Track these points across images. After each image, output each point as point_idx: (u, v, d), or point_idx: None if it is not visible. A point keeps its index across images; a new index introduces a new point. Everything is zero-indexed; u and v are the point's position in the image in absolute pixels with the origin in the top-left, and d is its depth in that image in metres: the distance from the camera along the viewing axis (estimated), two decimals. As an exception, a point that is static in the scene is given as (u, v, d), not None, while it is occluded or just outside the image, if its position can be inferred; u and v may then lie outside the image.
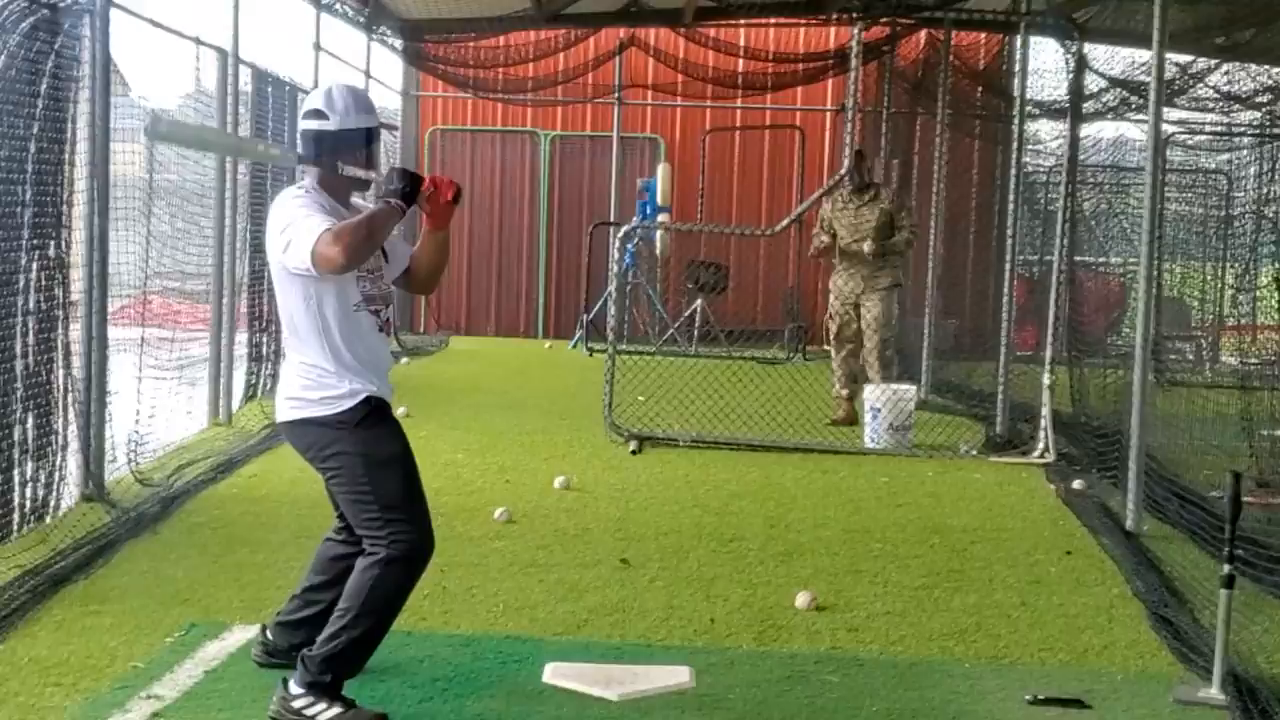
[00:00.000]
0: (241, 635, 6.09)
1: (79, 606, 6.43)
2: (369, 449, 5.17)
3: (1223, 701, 5.58)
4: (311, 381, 5.18)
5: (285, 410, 5.28)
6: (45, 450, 7.91)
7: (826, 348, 15.48)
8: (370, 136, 5.35)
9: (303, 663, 5.12)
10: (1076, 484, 10.14)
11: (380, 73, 19.61)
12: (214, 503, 8.81)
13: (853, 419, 12.71)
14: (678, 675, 5.80)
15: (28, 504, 7.73)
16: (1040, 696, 5.67)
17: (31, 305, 7.72)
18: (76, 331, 8.38)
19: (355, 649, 5.15)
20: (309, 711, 5.06)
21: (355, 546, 5.29)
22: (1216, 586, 5.76)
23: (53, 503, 7.99)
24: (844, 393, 13.04)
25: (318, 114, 5.27)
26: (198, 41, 11.49)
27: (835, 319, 13.05)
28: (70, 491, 8.29)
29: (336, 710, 5.06)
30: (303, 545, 7.71)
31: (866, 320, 12.81)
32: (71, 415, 8.24)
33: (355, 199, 5.43)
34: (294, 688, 5.10)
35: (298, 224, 4.98)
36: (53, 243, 7.98)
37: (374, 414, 5.22)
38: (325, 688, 5.08)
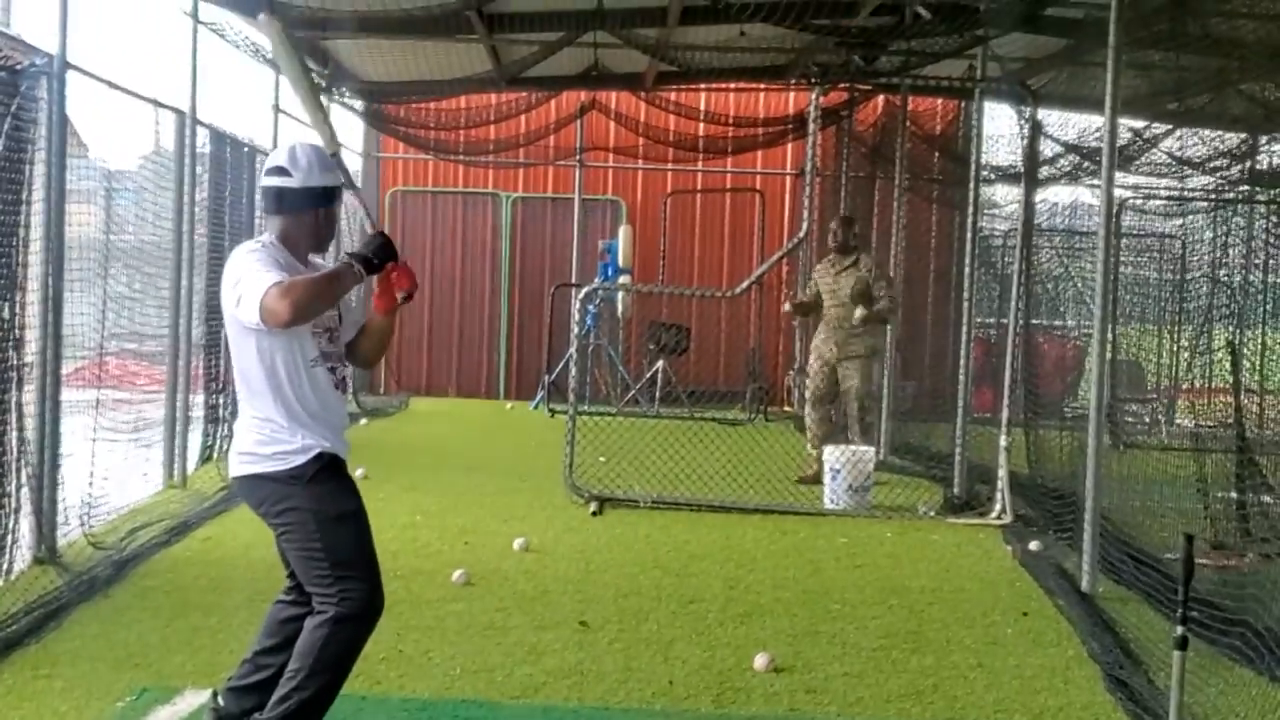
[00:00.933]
0: (194, 700, 6.04)
1: (30, 670, 6.37)
2: (321, 505, 5.15)
3: (1177, 764, 5.58)
4: (265, 436, 5.16)
5: (238, 465, 5.25)
6: (-3, 512, 7.85)
7: (787, 409, 15.50)
8: (332, 195, 5.35)
9: None
10: (1033, 545, 10.17)
11: (341, 134, 19.63)
12: (167, 565, 8.74)
13: (819, 478, 12.74)
14: (634, 739, 5.77)
15: (-21, 567, 7.66)
16: (997, 759, 5.66)
17: (-15, 367, 7.68)
18: (30, 393, 8.32)
19: (307, 711, 5.11)
20: None
21: (306, 607, 5.25)
22: (1170, 648, 5.76)
23: (4, 565, 7.91)
24: (814, 452, 13.07)
25: (280, 171, 5.26)
26: (155, 103, 11.49)
27: (813, 379, 13.16)
28: (22, 554, 8.21)
29: None
30: (257, 608, 7.64)
31: (845, 389, 12.96)
32: (24, 478, 8.17)
33: (314, 258, 5.43)
34: None
35: (249, 278, 4.96)
36: (6, 304, 7.94)
37: (327, 470, 5.20)
38: None
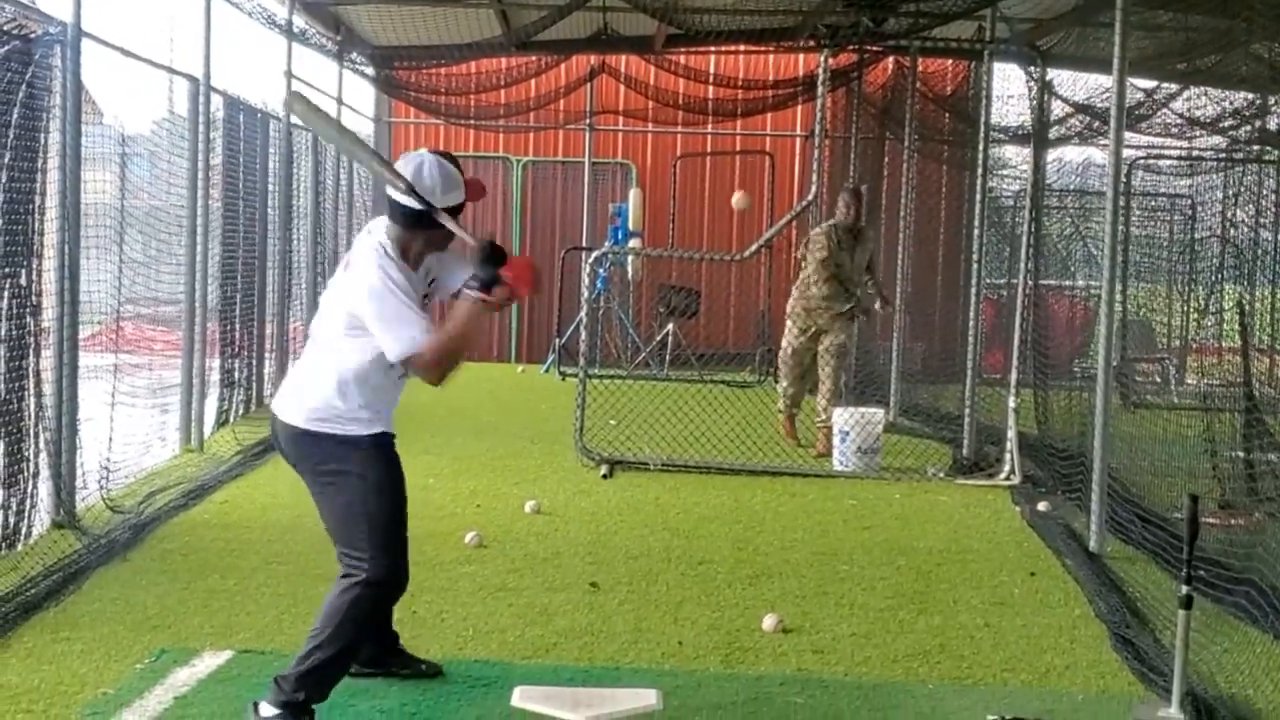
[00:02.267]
0: (211, 661, 6.13)
1: (50, 633, 6.46)
2: (370, 472, 5.35)
3: (1181, 720, 5.66)
4: (338, 401, 5.31)
5: (299, 417, 5.37)
6: (16, 478, 7.94)
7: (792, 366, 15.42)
8: (454, 212, 5.38)
9: (276, 683, 5.19)
10: (1042, 506, 10.23)
11: (352, 99, 19.67)
12: (185, 529, 8.83)
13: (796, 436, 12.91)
14: (645, 698, 5.83)
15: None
16: (1004, 718, 5.73)
17: (2, 333, 7.76)
18: (48, 359, 8.40)
19: (328, 669, 5.25)
20: None
21: None
22: (1176, 607, 5.84)
23: (24, 530, 8.02)
24: (790, 414, 13.14)
25: (407, 189, 5.27)
26: (170, 70, 11.55)
27: (791, 348, 13.03)
28: (41, 518, 8.30)
29: None
30: (273, 571, 7.78)
31: (826, 345, 12.81)
32: (42, 443, 8.26)
33: (428, 258, 5.49)
34: (265, 709, 5.16)
35: (392, 308, 5.12)
36: (24, 271, 8.02)
37: (383, 444, 5.42)
38: (297, 707, 5.14)
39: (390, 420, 5.50)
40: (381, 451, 5.42)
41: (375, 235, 5.36)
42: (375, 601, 5.34)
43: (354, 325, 5.25)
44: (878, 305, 13.19)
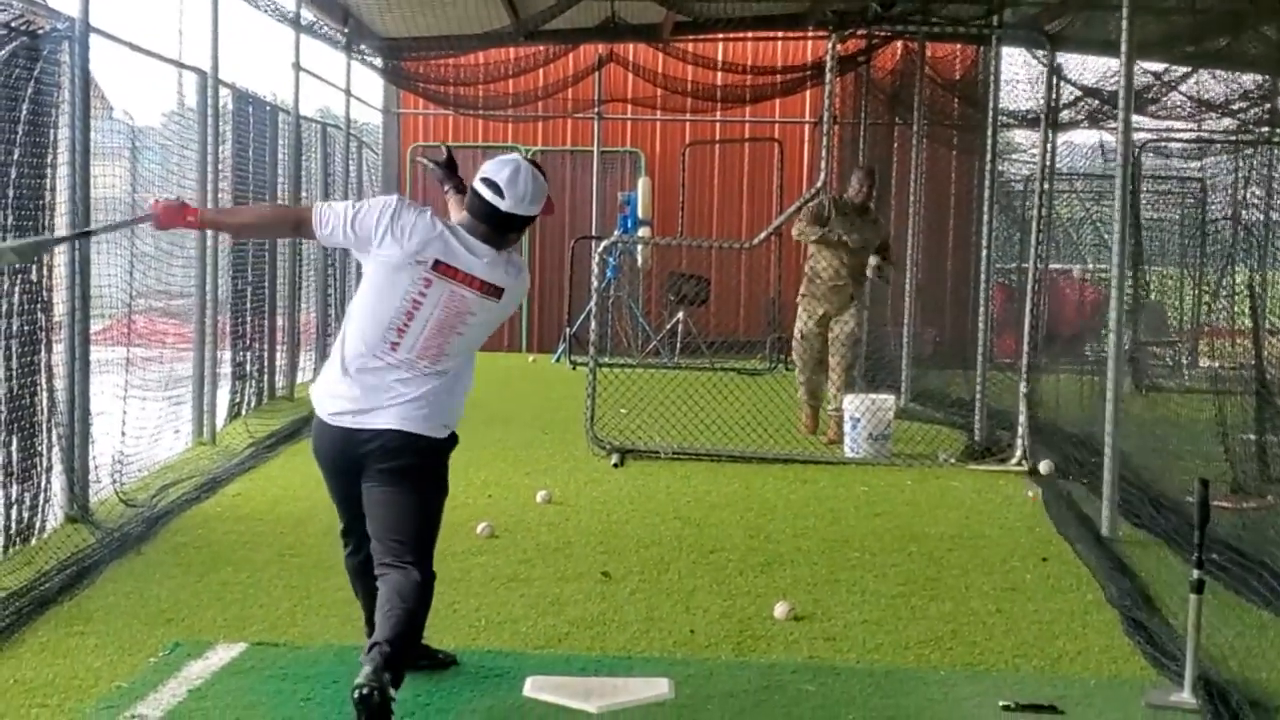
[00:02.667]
0: (225, 654, 6.15)
1: (64, 627, 6.48)
2: (448, 476, 5.71)
3: (1194, 705, 5.66)
4: (453, 407, 5.62)
5: (425, 427, 5.49)
6: (29, 472, 7.96)
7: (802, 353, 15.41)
8: (527, 223, 5.66)
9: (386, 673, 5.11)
10: (1043, 467, 10.26)
11: (361, 89, 19.70)
12: (198, 522, 8.86)
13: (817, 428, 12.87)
14: (657, 686, 5.86)
15: (12, 526, 7.77)
16: (1016, 704, 5.74)
17: (14, 329, 7.78)
18: (60, 353, 8.42)
19: (411, 644, 5.42)
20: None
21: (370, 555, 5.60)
22: (1188, 592, 5.84)
23: (37, 524, 8.03)
24: (810, 406, 13.11)
25: (494, 187, 5.46)
26: (178, 64, 11.57)
27: (803, 336, 13.00)
28: (55, 513, 8.32)
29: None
30: (286, 563, 7.80)
31: (837, 334, 12.78)
32: (55, 437, 8.28)
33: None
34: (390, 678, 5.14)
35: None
36: (34, 266, 8.03)
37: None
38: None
39: None
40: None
41: (495, 257, 5.53)
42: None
43: (496, 322, 5.69)
44: (870, 271, 12.93)
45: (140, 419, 10.12)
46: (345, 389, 5.46)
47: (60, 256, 8.45)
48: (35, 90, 7.95)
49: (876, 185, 13.31)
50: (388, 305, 5.43)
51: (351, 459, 5.50)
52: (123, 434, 9.57)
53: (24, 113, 7.83)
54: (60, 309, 8.44)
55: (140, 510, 8.80)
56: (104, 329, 10.05)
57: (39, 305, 8.09)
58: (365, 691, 4.94)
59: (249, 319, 13.52)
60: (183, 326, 12.36)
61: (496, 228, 5.48)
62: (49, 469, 8.21)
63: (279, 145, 14.50)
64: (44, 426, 8.16)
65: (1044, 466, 10.24)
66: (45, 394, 8.17)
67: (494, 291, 5.48)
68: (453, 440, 5.64)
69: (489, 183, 5.45)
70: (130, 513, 8.73)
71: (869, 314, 13.23)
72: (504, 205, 5.42)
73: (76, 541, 7.87)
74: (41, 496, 8.10)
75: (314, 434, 5.65)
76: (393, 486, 5.48)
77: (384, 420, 5.43)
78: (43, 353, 8.13)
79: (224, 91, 12.33)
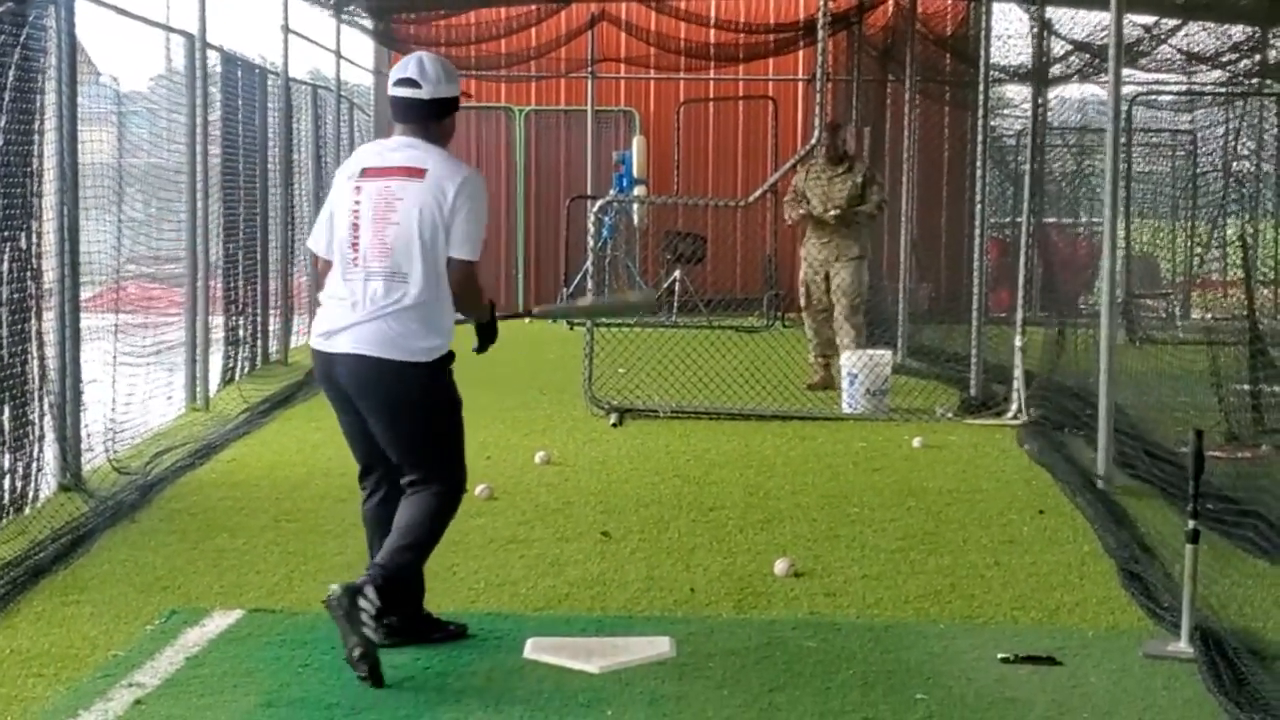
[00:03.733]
0: (222, 621, 6.13)
1: (59, 597, 6.47)
2: (453, 393, 5.80)
3: (1191, 655, 5.66)
4: (429, 327, 5.60)
5: (398, 351, 5.55)
6: (22, 442, 7.94)
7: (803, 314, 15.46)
8: (455, 105, 5.82)
9: (365, 590, 5.30)
10: (1033, 412, 10.34)
11: (351, 51, 19.60)
12: (192, 489, 8.84)
13: (830, 384, 12.77)
14: (658, 645, 5.86)
15: (5, 496, 7.75)
16: (1014, 656, 5.74)
17: (3, 296, 7.74)
18: (50, 321, 8.39)
19: (406, 572, 5.59)
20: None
21: (396, 493, 5.74)
22: (1183, 542, 5.83)
23: (30, 494, 8.02)
24: (820, 360, 13.12)
25: (410, 83, 5.67)
26: (166, 28, 11.51)
27: (806, 287, 13.11)
28: (48, 482, 8.31)
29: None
30: (282, 529, 7.79)
31: (835, 286, 12.85)
32: (47, 406, 8.26)
33: None
34: (371, 594, 5.29)
35: (481, 221, 5.67)
36: (23, 234, 7.99)
37: (451, 363, 5.76)
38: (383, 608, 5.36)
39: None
40: (451, 370, 5.82)
41: (420, 147, 5.66)
42: (455, 507, 5.77)
43: (444, 239, 5.59)
44: (830, 213, 12.96)
45: (132, 386, 10.09)
46: (326, 313, 5.68)
47: (49, 223, 8.40)
48: (22, 55, 7.90)
49: (842, 135, 13.30)
50: (340, 227, 5.66)
51: (339, 386, 5.67)
52: (114, 401, 9.54)
53: (10, 78, 7.78)
54: (50, 276, 8.40)
55: (134, 478, 8.78)
56: (94, 296, 10.01)
57: (29, 273, 8.05)
58: (327, 596, 5.30)
59: (241, 283, 13.49)
60: (174, 292, 12.33)
61: (427, 118, 5.69)
62: (41, 438, 8.20)
63: (269, 108, 14.44)
64: (35, 395, 8.13)
65: (1034, 412, 10.31)
66: (36, 362, 8.14)
67: (415, 173, 5.58)
68: (442, 362, 5.68)
69: (402, 82, 5.68)
70: (124, 480, 8.71)
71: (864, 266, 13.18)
72: (424, 93, 5.66)
73: (70, 510, 7.85)
74: (34, 465, 8.08)
75: (313, 365, 5.88)
76: (385, 416, 5.64)
77: (354, 341, 5.55)
78: (33, 321, 8.10)
79: (212, 55, 12.28)
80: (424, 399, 5.66)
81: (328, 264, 5.74)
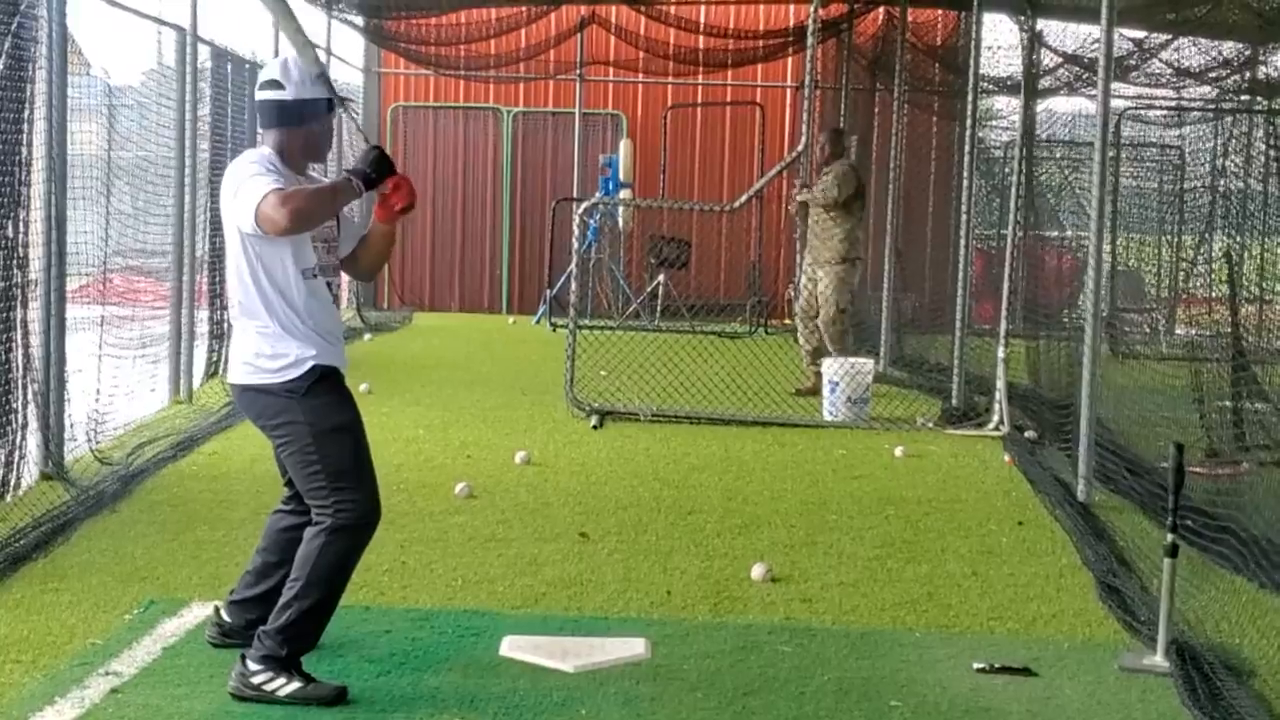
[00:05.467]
0: (200, 612, 6.13)
1: (38, 584, 6.47)
2: (317, 418, 5.22)
3: (1167, 669, 5.69)
4: (263, 348, 5.21)
5: (238, 374, 5.32)
6: (5, 430, 7.93)
7: (787, 321, 15.54)
8: (326, 107, 5.38)
9: (259, 638, 5.18)
10: (1029, 434, 10.32)
11: (341, 49, 19.59)
12: (174, 481, 8.84)
13: (817, 390, 12.80)
14: (634, 647, 5.87)
15: (-13, 483, 7.75)
16: (990, 665, 5.76)
17: (-11, 286, 7.74)
18: (35, 310, 8.38)
19: (308, 620, 5.21)
20: (269, 686, 5.12)
21: (304, 517, 5.36)
22: (1162, 556, 5.86)
23: (12, 481, 8.01)
24: (813, 367, 13.13)
25: (274, 84, 5.30)
26: (157, 21, 11.49)
27: (801, 294, 13.17)
28: (30, 470, 8.30)
29: (295, 685, 5.12)
30: (262, 522, 7.64)
31: (817, 293, 12.91)
32: (31, 395, 8.25)
33: (311, 170, 5.50)
34: (251, 664, 5.16)
35: (248, 185, 5.06)
36: (10, 223, 7.99)
37: (322, 382, 5.24)
38: (282, 661, 5.14)
39: (329, 350, 5.30)
40: (323, 390, 5.25)
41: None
42: (346, 546, 5.22)
43: (241, 238, 5.17)
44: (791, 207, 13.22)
45: (116, 377, 10.08)
46: None
47: (36, 213, 8.39)
48: (13, 45, 7.89)
49: (834, 142, 13.37)
50: None
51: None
52: (98, 392, 9.53)
53: (0, 68, 7.77)
54: (36, 266, 8.39)
55: (116, 468, 8.78)
56: (80, 287, 10.00)
57: (15, 262, 8.04)
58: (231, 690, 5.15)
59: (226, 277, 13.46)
60: (159, 285, 12.32)
61: (293, 121, 5.30)
62: (24, 426, 8.18)
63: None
64: (19, 384, 8.12)
65: (1030, 434, 10.33)
66: (21, 351, 8.12)
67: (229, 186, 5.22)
68: (299, 380, 5.20)
69: (267, 84, 5.33)
70: (106, 471, 8.71)
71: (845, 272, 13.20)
72: (288, 95, 5.29)
73: (52, 499, 7.84)
74: (17, 454, 8.07)
75: None
76: (274, 442, 5.40)
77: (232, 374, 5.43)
78: (18, 310, 8.08)
79: (203, 49, 12.26)
80: (285, 423, 5.26)
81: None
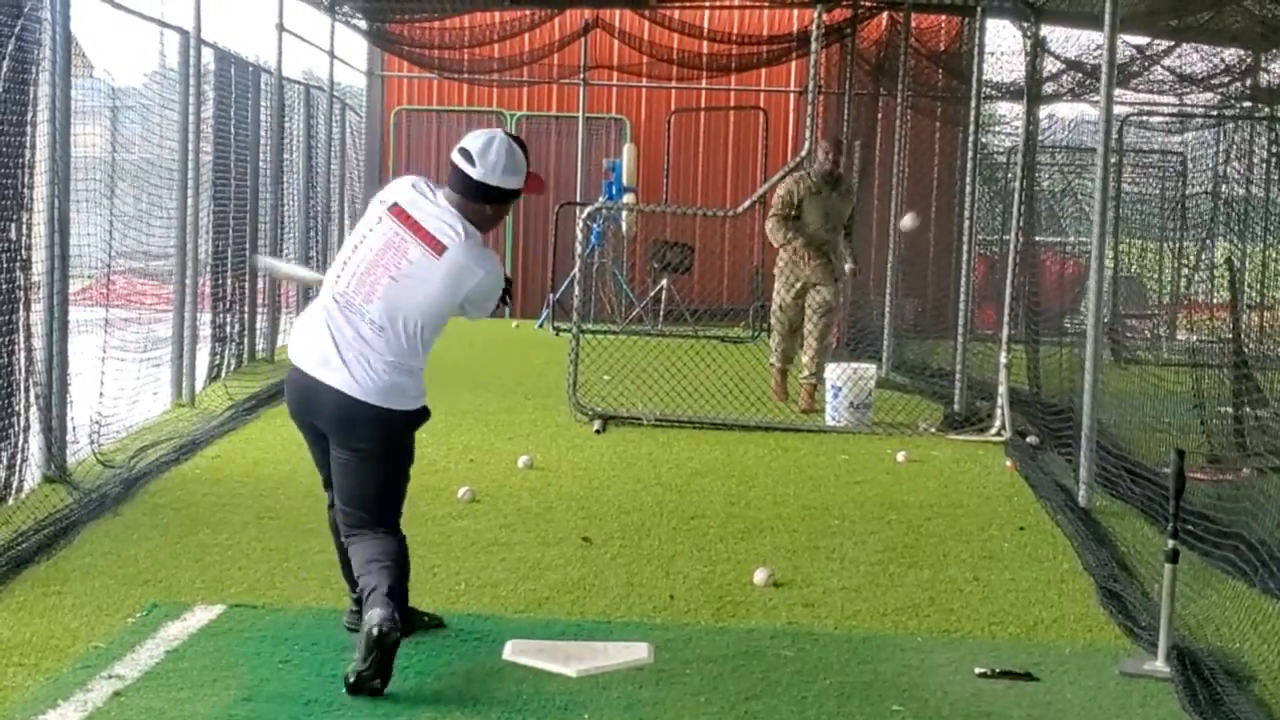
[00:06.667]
0: (203, 616, 6.15)
1: (41, 587, 6.48)
2: (412, 450, 5.77)
3: (1167, 674, 5.69)
4: (414, 382, 5.58)
5: (384, 399, 5.50)
6: (7, 432, 7.93)
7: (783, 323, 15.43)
8: (506, 197, 5.73)
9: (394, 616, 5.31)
10: (1031, 439, 10.32)
11: (344, 51, 19.60)
12: (176, 483, 8.85)
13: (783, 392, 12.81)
14: (636, 651, 5.88)
15: (-10, 486, 7.76)
16: (991, 670, 5.77)
17: (-8, 289, 7.75)
18: (38, 313, 8.39)
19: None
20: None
21: None
22: (1163, 561, 5.87)
23: (15, 484, 8.01)
24: (802, 376, 13.05)
25: (466, 156, 5.59)
26: (160, 23, 11.50)
27: (789, 308, 12.91)
28: (32, 473, 8.30)
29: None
30: (265, 526, 7.80)
31: (812, 302, 12.69)
32: (33, 397, 8.25)
33: None
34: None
35: (495, 283, 5.70)
36: (13, 225, 8.00)
37: (423, 421, 5.75)
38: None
39: None
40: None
41: (452, 223, 5.57)
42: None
43: (451, 305, 5.63)
44: (848, 266, 13.06)
45: (119, 380, 10.09)
46: (310, 332, 5.62)
47: (39, 216, 8.41)
48: (16, 47, 7.90)
49: (845, 154, 13.26)
50: (347, 246, 5.70)
51: (310, 413, 5.65)
52: (101, 395, 9.54)
53: (4, 70, 7.78)
54: (39, 268, 8.40)
55: (118, 471, 8.78)
56: (83, 289, 10.01)
57: (18, 264, 8.05)
58: (385, 629, 5.19)
59: (229, 281, 13.49)
60: (162, 288, 12.33)
61: (470, 196, 5.59)
62: (27, 429, 8.18)
63: (261, 107, 14.44)
64: (22, 386, 8.12)
65: (1032, 439, 10.34)
66: (23, 354, 8.13)
67: (435, 245, 5.51)
68: (418, 416, 5.67)
69: (463, 151, 5.61)
70: (108, 474, 8.71)
71: (847, 283, 13.17)
72: (474, 173, 5.55)
73: (54, 502, 7.85)
74: (19, 457, 8.07)
75: (287, 382, 5.81)
76: (350, 454, 5.59)
77: (339, 379, 5.49)
78: (21, 312, 8.09)
79: (206, 52, 12.27)
80: (390, 448, 5.64)
81: None
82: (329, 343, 5.52)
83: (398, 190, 5.69)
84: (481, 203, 5.62)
